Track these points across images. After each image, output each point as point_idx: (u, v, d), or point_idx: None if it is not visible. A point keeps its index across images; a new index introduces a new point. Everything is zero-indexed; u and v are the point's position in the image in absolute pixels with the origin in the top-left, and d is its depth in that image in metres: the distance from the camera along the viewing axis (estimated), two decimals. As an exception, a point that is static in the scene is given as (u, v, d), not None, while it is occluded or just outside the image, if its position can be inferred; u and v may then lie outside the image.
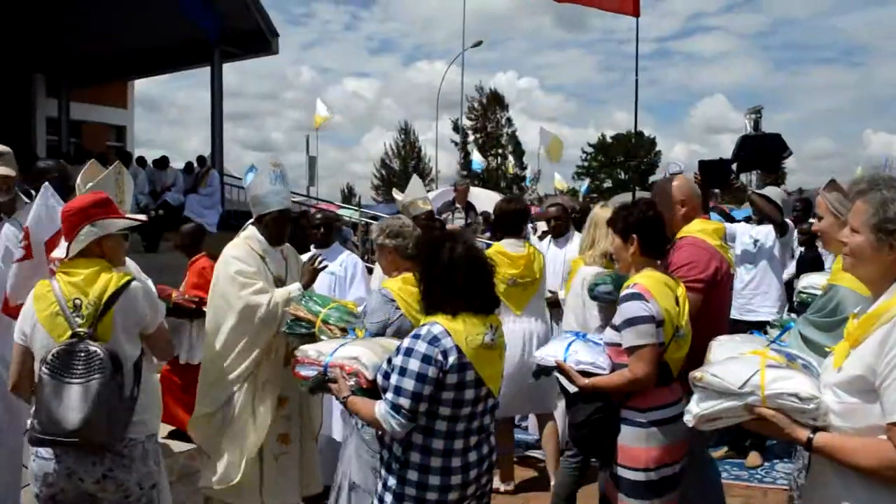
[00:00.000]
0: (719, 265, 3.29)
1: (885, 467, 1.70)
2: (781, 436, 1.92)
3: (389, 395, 2.41)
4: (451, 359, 2.38)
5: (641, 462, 2.82)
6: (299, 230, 4.98)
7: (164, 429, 4.32)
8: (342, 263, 4.91)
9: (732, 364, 2.05)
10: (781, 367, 1.98)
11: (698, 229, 3.39)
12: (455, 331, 2.42)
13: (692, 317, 2.97)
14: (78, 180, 3.34)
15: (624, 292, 2.90)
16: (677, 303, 2.91)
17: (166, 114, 67.90)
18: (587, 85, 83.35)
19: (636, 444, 2.83)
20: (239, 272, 3.59)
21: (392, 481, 2.48)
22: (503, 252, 4.67)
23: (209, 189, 13.01)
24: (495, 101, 50.10)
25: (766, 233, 5.53)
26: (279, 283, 3.73)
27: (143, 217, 3.17)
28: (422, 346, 2.39)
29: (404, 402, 2.37)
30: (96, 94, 17.23)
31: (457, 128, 48.20)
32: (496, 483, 4.45)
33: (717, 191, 6.33)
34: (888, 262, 1.85)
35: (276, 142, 76.36)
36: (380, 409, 2.43)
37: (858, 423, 1.77)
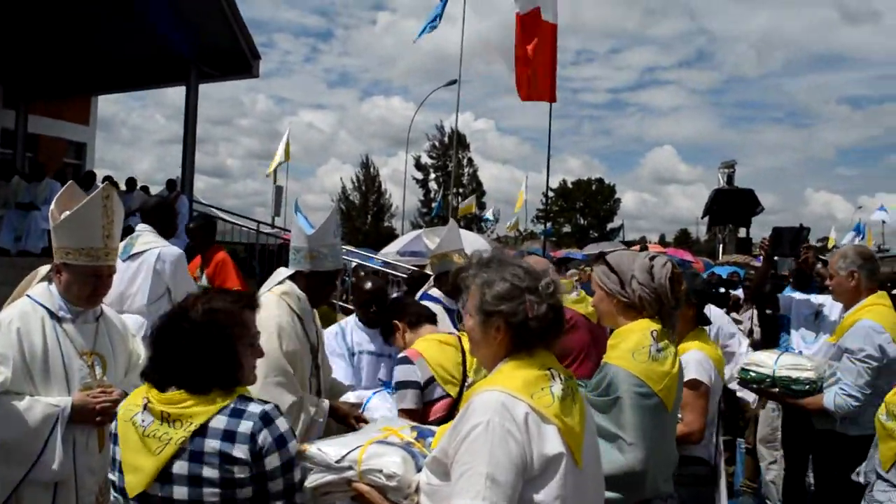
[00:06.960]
0: None
1: None
2: None
3: None
4: None
5: None
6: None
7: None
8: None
9: (346, 438, 2.05)
10: (390, 444, 1.95)
11: None
12: None
13: None
14: (52, 206, 2.82)
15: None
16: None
17: (118, 134, 66.39)
18: (541, 130, 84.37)
19: None
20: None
21: None
22: None
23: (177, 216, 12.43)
24: (458, 140, 50.37)
25: (832, 303, 4.46)
26: (314, 352, 3.06)
27: None
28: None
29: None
30: (57, 107, 16.45)
31: (419, 165, 48.30)
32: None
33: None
34: (496, 343, 1.84)
35: (230, 168, 75.73)
36: None
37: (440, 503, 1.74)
